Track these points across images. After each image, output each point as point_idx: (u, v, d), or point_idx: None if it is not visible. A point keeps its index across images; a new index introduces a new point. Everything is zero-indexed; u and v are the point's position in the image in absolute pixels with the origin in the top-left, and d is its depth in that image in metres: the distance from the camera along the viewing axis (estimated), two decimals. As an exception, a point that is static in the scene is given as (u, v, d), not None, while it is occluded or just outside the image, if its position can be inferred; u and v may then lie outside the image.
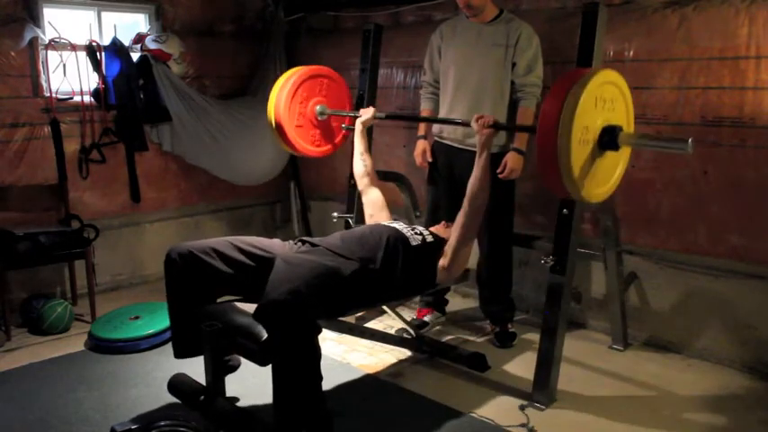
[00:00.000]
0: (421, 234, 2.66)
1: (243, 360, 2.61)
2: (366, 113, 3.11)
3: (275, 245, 2.55)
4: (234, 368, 2.63)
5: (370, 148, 3.61)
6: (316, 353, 2.17)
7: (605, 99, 2.20)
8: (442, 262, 2.58)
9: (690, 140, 2.12)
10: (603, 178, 2.28)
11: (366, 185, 3.03)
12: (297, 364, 2.13)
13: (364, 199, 3.05)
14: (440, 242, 2.67)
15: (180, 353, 2.55)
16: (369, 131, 3.58)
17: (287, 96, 3.09)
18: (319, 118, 3.22)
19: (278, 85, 3.13)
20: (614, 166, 2.32)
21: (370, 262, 2.45)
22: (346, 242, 2.54)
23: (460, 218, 2.57)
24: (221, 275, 2.40)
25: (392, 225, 2.70)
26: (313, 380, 2.17)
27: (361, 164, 3.06)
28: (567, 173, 2.09)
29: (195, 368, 2.48)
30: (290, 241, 2.63)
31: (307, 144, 3.21)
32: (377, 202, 2.99)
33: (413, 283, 2.61)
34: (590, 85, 2.11)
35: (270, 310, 2.12)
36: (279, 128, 3.11)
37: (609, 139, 2.18)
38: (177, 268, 2.41)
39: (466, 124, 2.70)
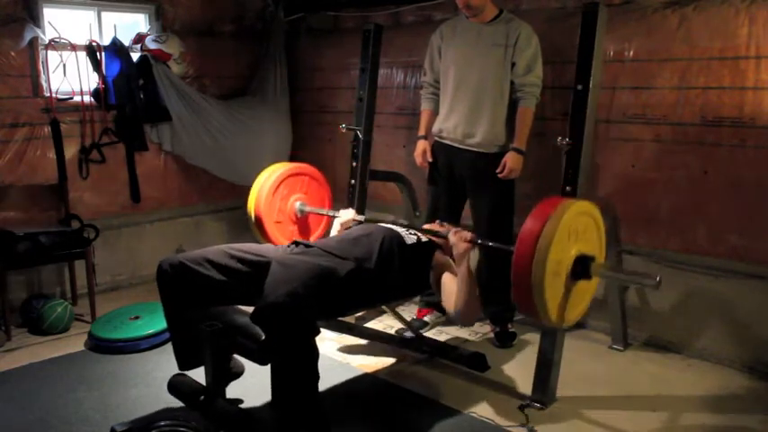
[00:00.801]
0: (416, 234, 2.66)
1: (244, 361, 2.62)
2: (346, 214, 3.04)
3: (269, 249, 2.55)
4: (237, 375, 2.63)
5: (368, 149, 3.63)
6: (313, 354, 2.17)
7: (578, 230, 2.25)
8: (447, 306, 2.52)
9: (658, 278, 2.16)
10: (576, 302, 2.32)
11: None
12: (295, 365, 2.13)
13: None
14: (435, 243, 2.66)
15: (184, 365, 2.55)
16: (368, 133, 3.59)
17: (268, 191, 3.19)
18: (298, 215, 3.29)
19: (260, 180, 3.23)
20: (586, 291, 2.37)
21: (366, 261, 2.45)
22: (341, 243, 2.54)
23: (458, 305, 2.46)
24: (215, 284, 2.40)
25: (387, 225, 2.70)
26: (310, 380, 2.17)
27: None
28: (542, 306, 2.16)
29: (195, 368, 2.48)
30: (283, 244, 2.63)
31: (284, 240, 3.22)
32: None
33: (410, 282, 2.61)
34: (564, 219, 2.16)
35: (268, 313, 2.12)
36: (258, 222, 3.19)
37: (582, 270, 2.24)
38: (168, 279, 2.41)
39: (442, 237, 2.62)
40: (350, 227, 2.98)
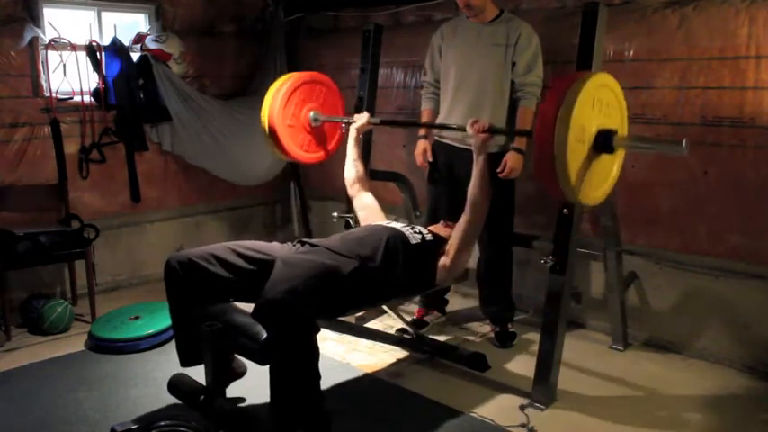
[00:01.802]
0: (420, 233, 2.67)
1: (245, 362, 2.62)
2: (360, 119, 3.09)
3: (275, 247, 2.55)
4: (239, 375, 2.63)
5: (368, 149, 3.63)
6: (313, 352, 2.17)
7: (602, 102, 2.22)
8: (443, 261, 2.59)
9: (684, 141, 2.13)
10: (598, 182, 2.30)
11: (357, 191, 3.05)
12: (294, 363, 2.13)
13: (356, 204, 3.06)
14: (440, 241, 2.67)
15: (186, 361, 2.55)
16: (367, 136, 3.59)
17: (283, 96, 3.09)
18: (313, 124, 3.22)
19: (275, 86, 3.14)
20: (609, 169, 2.35)
21: (370, 260, 2.45)
22: (346, 242, 2.54)
23: (463, 221, 2.57)
24: (222, 281, 2.40)
25: (391, 225, 2.70)
26: (310, 379, 2.17)
27: (353, 170, 3.06)
28: (563, 172, 2.11)
29: (195, 368, 2.48)
30: (290, 243, 2.63)
31: (296, 147, 3.19)
32: (371, 205, 3.00)
33: (413, 282, 2.61)
34: (588, 84, 2.14)
35: (266, 309, 2.13)
36: (270, 126, 3.09)
37: (604, 141, 2.20)
38: (177, 276, 2.41)
39: (461, 129, 2.70)
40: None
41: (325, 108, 3.27)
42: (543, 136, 2.11)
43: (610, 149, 2.22)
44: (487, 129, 2.55)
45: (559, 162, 2.09)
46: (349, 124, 3.14)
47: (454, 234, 2.60)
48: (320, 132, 3.29)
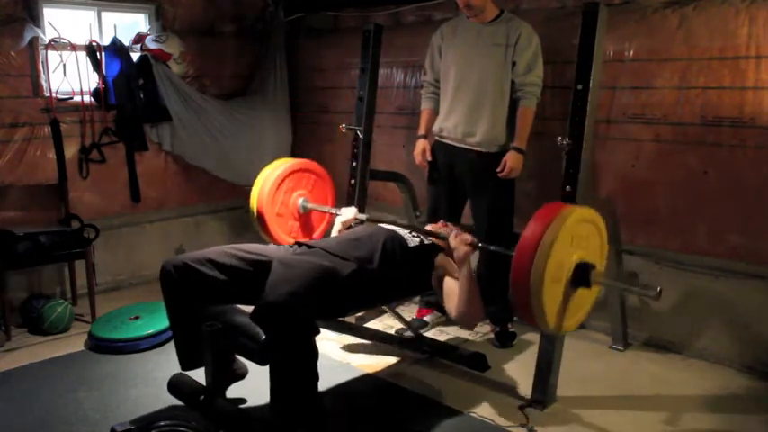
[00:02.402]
0: (418, 236, 2.66)
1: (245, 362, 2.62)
2: (347, 213, 3.04)
3: (271, 249, 2.55)
4: (240, 377, 2.63)
5: (368, 149, 3.63)
6: (313, 353, 2.17)
7: (581, 236, 2.25)
8: (449, 307, 2.51)
9: (659, 289, 2.16)
10: (574, 310, 2.32)
11: None
12: (293, 365, 2.13)
13: None
14: (437, 246, 2.66)
15: (186, 364, 2.55)
16: (368, 135, 3.59)
17: (273, 184, 3.19)
18: (301, 211, 3.29)
19: (265, 173, 3.24)
20: (585, 298, 2.36)
21: (368, 262, 2.45)
22: (343, 244, 2.54)
23: (460, 308, 2.45)
24: (218, 284, 2.40)
25: (389, 227, 2.70)
26: (309, 380, 2.17)
27: None
28: (540, 311, 2.16)
29: (197, 369, 2.48)
30: (286, 245, 2.63)
31: (284, 234, 3.25)
32: None
33: (411, 284, 2.61)
34: (566, 225, 2.16)
35: (266, 312, 2.13)
36: (260, 214, 3.18)
37: (582, 276, 2.23)
38: (173, 280, 2.40)
39: (443, 239, 2.61)
40: (351, 226, 2.98)
41: (314, 195, 3.36)
42: (519, 282, 2.15)
43: (587, 285, 2.25)
44: (471, 243, 2.47)
45: (536, 303, 2.14)
46: (336, 216, 3.12)
47: (451, 306, 2.49)
48: (307, 219, 3.37)
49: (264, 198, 3.18)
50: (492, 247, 2.53)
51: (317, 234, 3.40)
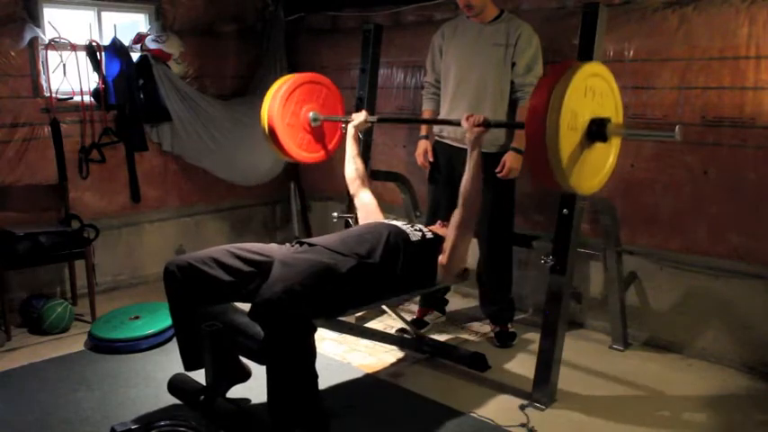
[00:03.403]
0: (420, 231, 2.66)
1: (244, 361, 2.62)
2: (358, 117, 3.10)
3: (273, 248, 2.55)
4: (244, 378, 2.64)
5: (368, 149, 3.63)
6: (310, 351, 2.17)
7: (595, 91, 2.20)
8: (441, 259, 2.58)
9: (677, 128, 2.13)
10: (593, 170, 2.27)
11: (357, 188, 3.05)
12: (290, 363, 2.13)
13: (356, 202, 3.06)
14: (440, 239, 2.67)
15: (189, 365, 2.54)
16: (368, 133, 3.59)
17: (283, 96, 3.11)
18: (312, 124, 3.24)
19: (276, 86, 3.16)
20: (604, 158, 2.32)
21: (369, 258, 2.44)
22: (344, 240, 2.54)
23: (456, 215, 2.56)
24: (222, 284, 2.39)
25: (391, 222, 2.70)
26: (307, 379, 2.17)
27: (352, 167, 3.07)
28: (555, 158, 2.08)
29: (200, 369, 2.48)
30: (288, 244, 2.63)
31: (295, 146, 3.20)
32: (369, 204, 2.99)
33: (414, 280, 2.61)
34: (580, 73, 2.12)
35: (263, 310, 2.13)
36: (270, 124, 3.11)
37: (597, 129, 2.19)
38: (177, 280, 2.40)
39: (456, 124, 2.70)
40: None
41: (324, 109, 3.29)
42: (534, 122, 2.08)
43: (603, 137, 2.20)
44: (482, 122, 2.55)
45: (551, 148, 2.06)
46: (347, 123, 3.15)
47: (449, 230, 2.59)
48: (319, 132, 3.30)
49: (275, 109, 3.09)
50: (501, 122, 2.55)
51: (330, 145, 3.36)
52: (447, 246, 2.58)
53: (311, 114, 3.22)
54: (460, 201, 2.57)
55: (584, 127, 2.18)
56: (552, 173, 2.11)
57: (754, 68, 2.84)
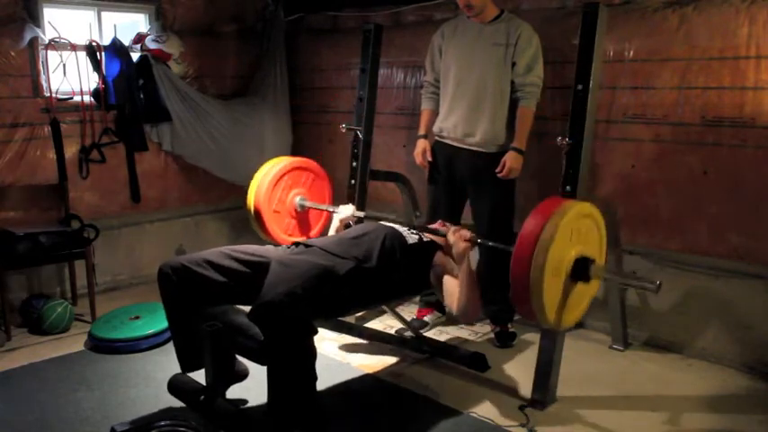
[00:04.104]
0: (417, 234, 2.66)
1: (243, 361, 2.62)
2: (345, 211, 3.05)
3: (269, 249, 2.54)
4: (241, 378, 2.63)
5: (368, 149, 3.63)
6: (310, 353, 2.17)
7: (580, 232, 2.25)
8: (449, 303, 2.52)
9: (658, 282, 2.17)
10: (574, 306, 2.32)
11: None
12: (291, 365, 2.13)
13: None
14: (437, 244, 2.66)
15: (186, 366, 2.54)
16: (368, 133, 3.60)
17: (271, 181, 3.18)
18: (298, 210, 3.27)
19: (263, 170, 3.22)
20: (585, 293, 2.36)
21: (366, 260, 2.45)
22: (341, 242, 2.53)
23: (453, 310, 2.48)
24: (217, 285, 2.39)
25: (388, 224, 2.70)
26: (307, 380, 2.17)
27: None
28: (539, 305, 2.15)
29: (198, 370, 2.49)
30: (284, 245, 2.63)
31: (280, 231, 3.23)
32: None
33: (411, 282, 2.61)
34: (565, 220, 2.16)
35: (264, 312, 2.12)
36: (256, 209, 3.17)
37: (582, 270, 2.23)
38: (171, 282, 2.39)
39: (442, 235, 2.61)
40: (349, 224, 2.99)
41: (311, 194, 3.35)
42: (518, 276, 2.14)
43: (586, 279, 2.25)
44: (469, 239, 2.48)
45: (535, 297, 2.13)
46: (334, 213, 3.12)
47: (450, 301, 2.50)
48: (305, 218, 3.35)
49: (262, 194, 3.16)
50: (491, 243, 2.52)
51: (314, 233, 3.40)
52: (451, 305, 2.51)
53: (298, 199, 3.28)
54: (455, 311, 2.47)
55: (569, 267, 2.22)
56: (537, 318, 2.21)
57: (754, 68, 2.84)
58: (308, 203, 3.29)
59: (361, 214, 3.04)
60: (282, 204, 3.25)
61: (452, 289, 2.48)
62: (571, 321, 2.36)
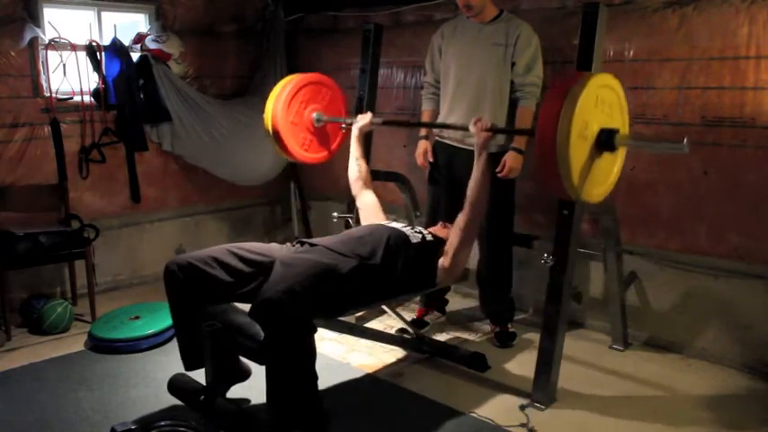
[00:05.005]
0: (421, 233, 2.67)
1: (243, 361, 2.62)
2: (363, 119, 3.10)
3: (273, 248, 2.55)
4: (243, 378, 2.64)
5: (369, 150, 3.63)
6: (310, 352, 2.17)
7: (605, 102, 2.24)
8: (443, 261, 2.58)
9: (685, 140, 2.16)
10: (599, 179, 2.31)
11: (360, 189, 3.05)
12: (290, 363, 2.13)
13: (358, 202, 3.06)
14: (439, 241, 2.67)
15: (190, 365, 2.54)
16: (368, 136, 3.59)
17: (288, 95, 3.10)
18: (316, 125, 3.23)
19: (280, 85, 3.15)
20: (610, 168, 2.36)
21: (370, 259, 2.45)
22: (345, 241, 2.54)
23: (461, 219, 2.57)
24: (223, 284, 2.39)
25: (392, 224, 2.70)
26: (307, 379, 2.17)
27: (355, 168, 3.07)
28: (566, 168, 2.11)
29: (200, 369, 2.48)
30: (288, 243, 2.63)
31: (297, 146, 3.19)
32: (371, 205, 2.99)
33: (413, 281, 2.61)
34: (591, 83, 2.15)
35: (263, 310, 2.13)
36: (273, 123, 3.10)
37: (606, 139, 2.22)
38: (178, 280, 2.40)
39: (464, 128, 2.71)
40: (370, 130, 3.11)
41: (328, 110, 3.28)
42: (546, 131, 2.11)
43: (612, 147, 2.24)
44: (489, 128, 2.56)
45: (562, 157, 2.09)
46: (351, 125, 3.14)
47: (452, 233, 2.59)
48: (322, 133, 3.30)
49: (279, 109, 3.08)
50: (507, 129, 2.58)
51: (333, 146, 3.35)
52: (450, 249, 2.57)
53: (315, 115, 3.22)
54: (467, 204, 2.57)
55: (594, 136, 2.21)
56: (561, 181, 2.15)
57: (754, 68, 2.85)
58: (324, 117, 3.23)
59: (379, 121, 3.09)
60: (300, 117, 3.18)
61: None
62: (596, 195, 2.32)
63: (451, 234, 2.60)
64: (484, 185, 2.55)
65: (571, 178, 2.14)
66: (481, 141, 2.55)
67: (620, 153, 2.37)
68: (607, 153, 2.26)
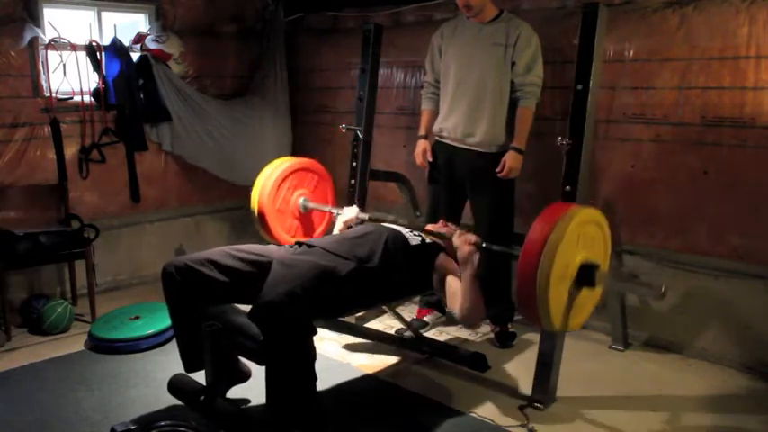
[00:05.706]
0: (419, 235, 2.66)
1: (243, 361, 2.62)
2: (349, 213, 3.03)
3: (271, 249, 2.54)
4: (244, 378, 2.63)
5: (368, 149, 3.64)
6: (309, 353, 2.17)
7: (587, 236, 2.25)
8: (452, 304, 2.49)
9: (663, 289, 2.18)
10: (578, 310, 2.31)
11: None
12: (290, 365, 2.13)
13: None
14: (438, 245, 2.66)
15: (190, 367, 2.54)
16: (368, 135, 3.60)
17: (275, 181, 3.18)
18: (302, 210, 3.27)
19: (268, 169, 3.22)
20: (589, 299, 2.35)
21: (368, 261, 2.44)
22: (344, 243, 2.53)
23: (461, 304, 2.42)
24: (220, 285, 2.39)
25: (390, 226, 2.70)
26: (306, 380, 2.17)
27: None
28: (545, 309, 2.14)
29: (201, 371, 2.48)
30: (286, 245, 2.63)
31: (283, 231, 3.23)
32: None
33: (412, 283, 2.61)
34: (573, 224, 2.15)
35: (264, 312, 2.13)
36: (260, 209, 3.17)
37: (586, 277, 2.22)
38: (175, 282, 2.39)
39: (446, 238, 2.59)
40: (352, 225, 2.98)
41: (315, 196, 3.35)
42: (525, 280, 2.13)
43: (592, 284, 2.24)
44: (474, 242, 2.43)
45: (541, 302, 2.12)
46: (338, 215, 3.11)
47: (450, 296, 2.49)
48: (308, 219, 3.35)
49: (266, 194, 3.15)
50: (495, 247, 2.50)
51: (316, 234, 3.40)
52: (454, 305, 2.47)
53: (301, 201, 3.27)
54: (458, 314, 2.43)
55: (574, 274, 2.22)
56: (542, 323, 2.21)
57: (754, 68, 2.84)
58: (311, 204, 3.29)
59: (365, 216, 3.03)
60: (286, 204, 3.25)
61: (455, 291, 2.46)
62: (576, 325, 2.36)
63: (452, 303, 2.48)
64: (473, 301, 2.39)
65: (550, 319, 2.18)
66: (465, 255, 2.41)
67: (599, 287, 2.33)
68: (587, 288, 2.26)
